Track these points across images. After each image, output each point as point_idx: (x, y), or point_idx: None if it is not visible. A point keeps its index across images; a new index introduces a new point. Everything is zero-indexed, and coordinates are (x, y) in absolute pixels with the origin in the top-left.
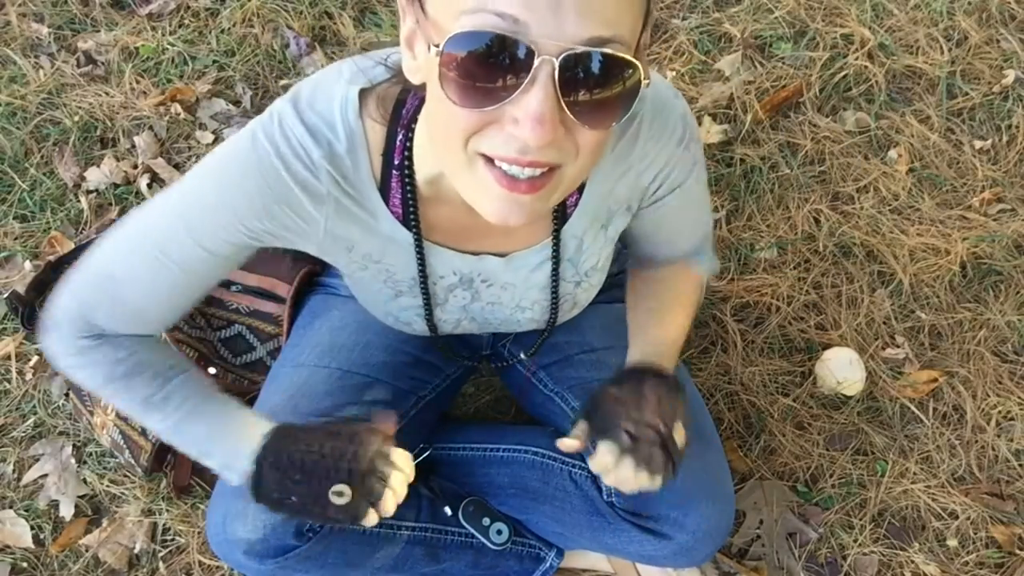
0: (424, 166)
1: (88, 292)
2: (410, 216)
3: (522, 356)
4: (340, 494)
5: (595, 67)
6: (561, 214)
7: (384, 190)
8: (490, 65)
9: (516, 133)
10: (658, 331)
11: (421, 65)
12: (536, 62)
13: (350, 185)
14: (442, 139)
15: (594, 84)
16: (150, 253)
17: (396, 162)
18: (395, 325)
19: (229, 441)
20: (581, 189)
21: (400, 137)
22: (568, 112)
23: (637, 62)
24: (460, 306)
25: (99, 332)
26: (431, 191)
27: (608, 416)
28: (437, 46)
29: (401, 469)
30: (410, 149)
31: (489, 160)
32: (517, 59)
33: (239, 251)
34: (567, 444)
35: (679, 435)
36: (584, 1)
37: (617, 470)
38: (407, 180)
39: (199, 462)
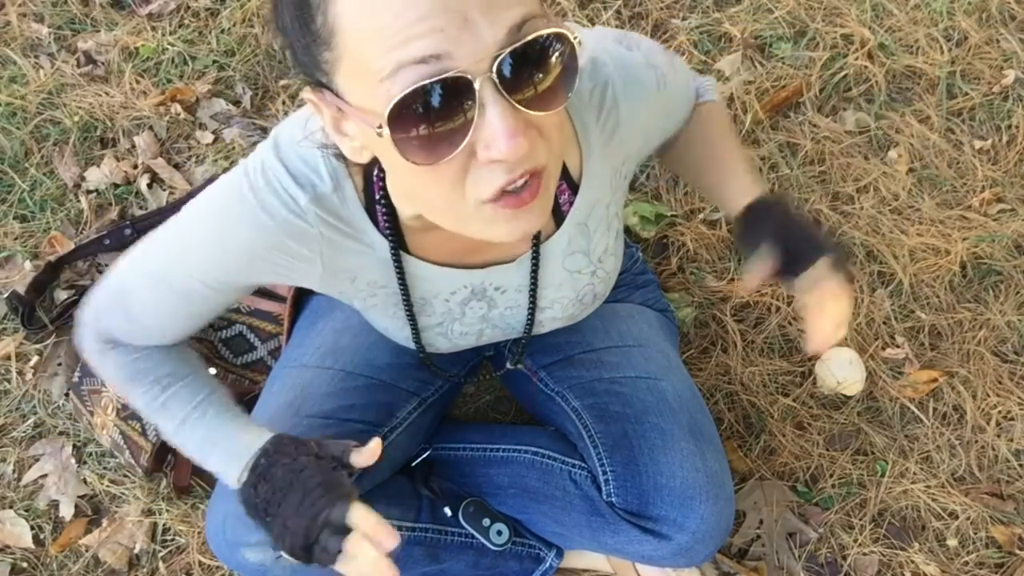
0: (405, 207)
1: (103, 304)
2: (391, 245)
3: (508, 366)
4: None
5: (528, 58)
6: (556, 214)
7: (374, 220)
8: (439, 113)
9: (495, 156)
10: (736, 165)
11: (366, 143)
12: (476, 85)
13: (341, 221)
14: (440, 205)
15: (535, 71)
16: (153, 283)
17: (376, 197)
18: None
19: (223, 450)
20: (572, 184)
21: (376, 172)
22: (527, 110)
23: (560, 29)
24: (479, 316)
25: (113, 339)
26: (418, 223)
27: (799, 239)
28: (380, 127)
29: (358, 530)
30: (385, 185)
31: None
32: (459, 93)
33: (243, 289)
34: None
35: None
36: (483, 1)
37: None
38: (386, 214)
39: (200, 466)
